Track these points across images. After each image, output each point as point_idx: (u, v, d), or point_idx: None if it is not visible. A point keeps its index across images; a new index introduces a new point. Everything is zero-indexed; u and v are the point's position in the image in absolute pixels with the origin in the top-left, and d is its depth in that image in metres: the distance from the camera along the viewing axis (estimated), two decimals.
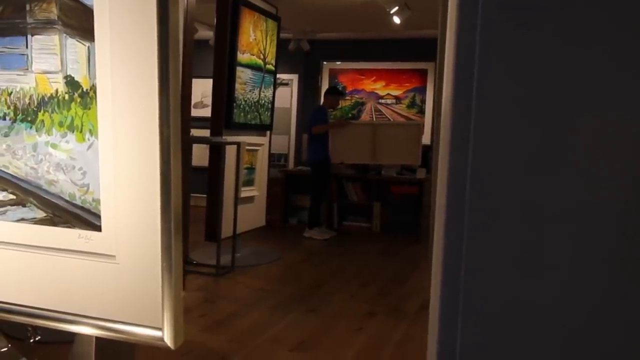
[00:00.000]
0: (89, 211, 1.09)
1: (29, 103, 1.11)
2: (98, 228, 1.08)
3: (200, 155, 5.79)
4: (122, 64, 1.03)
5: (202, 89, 7.83)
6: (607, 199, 0.68)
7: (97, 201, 1.07)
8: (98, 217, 1.08)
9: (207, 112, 5.44)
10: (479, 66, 0.66)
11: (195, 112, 7.36)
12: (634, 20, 0.66)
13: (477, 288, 0.71)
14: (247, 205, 5.40)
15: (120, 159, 1.05)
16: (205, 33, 7.32)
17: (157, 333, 1.06)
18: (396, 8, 6.08)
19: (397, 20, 6.37)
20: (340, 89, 7.86)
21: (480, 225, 0.70)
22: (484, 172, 0.69)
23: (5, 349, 1.43)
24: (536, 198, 0.70)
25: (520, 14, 0.68)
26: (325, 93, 7.26)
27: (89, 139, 1.07)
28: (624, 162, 0.68)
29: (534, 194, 0.70)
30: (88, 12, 1.04)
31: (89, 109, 1.06)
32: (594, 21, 0.67)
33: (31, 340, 1.45)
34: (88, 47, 1.05)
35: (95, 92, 1.05)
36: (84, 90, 1.06)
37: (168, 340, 1.05)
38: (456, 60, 0.65)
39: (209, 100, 5.30)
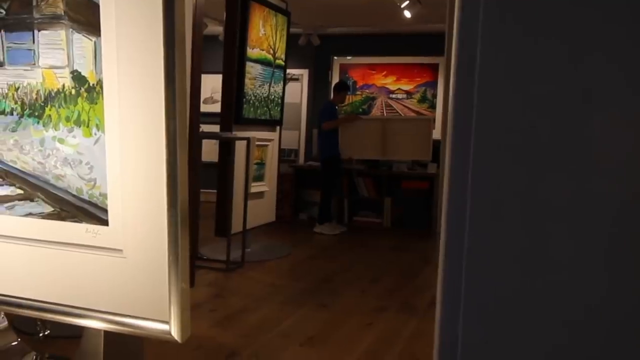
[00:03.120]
0: (96, 205, 1.09)
1: (36, 98, 1.12)
2: (105, 222, 1.08)
3: (210, 151, 5.80)
4: (128, 58, 1.03)
5: (212, 84, 7.84)
6: (611, 196, 0.67)
7: (104, 195, 1.08)
8: (105, 211, 1.08)
9: (217, 108, 5.45)
10: (480, 59, 0.65)
11: (205, 108, 7.38)
12: (634, 20, 0.66)
13: (479, 283, 0.70)
14: (257, 201, 5.40)
15: (127, 153, 1.05)
16: (215, 28, 7.33)
17: (164, 326, 1.06)
18: (407, 2, 6.05)
19: (407, 14, 6.35)
20: (347, 83, 7.82)
21: (482, 220, 0.69)
22: (485, 166, 0.69)
23: (15, 342, 1.44)
24: (538, 193, 0.69)
25: (522, 6, 0.67)
26: (334, 88, 7.24)
27: (95, 134, 1.07)
28: (631, 159, 0.67)
29: (536, 190, 0.69)
30: (94, 7, 1.04)
31: (96, 103, 1.06)
32: (595, 17, 0.67)
33: (40, 335, 1.46)
34: (94, 42, 1.05)
35: (101, 87, 1.05)
36: (91, 85, 1.06)
37: (175, 334, 1.06)
38: (458, 53, 0.65)
39: (218, 96, 5.31)
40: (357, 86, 8.34)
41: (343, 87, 7.18)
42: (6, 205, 1.17)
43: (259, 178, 5.48)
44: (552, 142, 0.68)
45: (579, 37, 0.68)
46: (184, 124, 1.02)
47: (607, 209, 0.68)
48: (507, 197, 0.70)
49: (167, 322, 1.06)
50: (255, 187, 5.30)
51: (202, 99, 7.40)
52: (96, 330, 1.20)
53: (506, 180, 0.70)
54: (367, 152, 7.35)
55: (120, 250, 1.08)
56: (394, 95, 8.24)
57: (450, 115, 0.68)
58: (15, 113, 1.14)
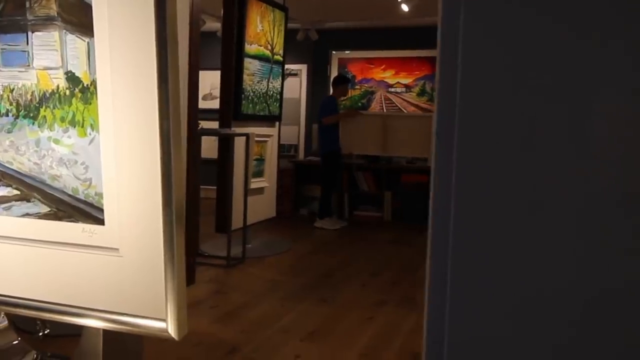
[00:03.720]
0: (92, 205, 1.10)
1: (31, 99, 1.12)
2: (101, 222, 1.09)
3: (209, 148, 5.81)
4: (121, 58, 1.03)
5: (211, 80, 7.83)
6: (598, 193, 0.68)
7: (100, 195, 1.09)
8: (101, 210, 1.09)
9: (216, 104, 5.45)
10: (462, 54, 0.66)
11: (204, 104, 7.38)
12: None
13: (464, 282, 0.71)
14: (257, 197, 5.41)
15: (122, 152, 1.05)
16: (213, 25, 7.32)
17: (161, 324, 1.07)
18: None
19: (405, 8, 6.34)
20: (347, 76, 7.79)
21: (467, 215, 0.70)
22: (469, 164, 0.69)
23: (16, 342, 1.45)
24: (523, 190, 0.69)
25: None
26: (333, 82, 7.21)
27: (90, 134, 1.08)
28: (613, 153, 0.67)
29: (521, 186, 0.70)
30: (87, 8, 1.04)
31: (90, 104, 1.07)
32: (578, 17, 0.67)
33: (40, 334, 1.47)
34: (88, 43, 1.06)
35: (95, 87, 1.06)
36: (85, 85, 1.07)
37: (172, 331, 1.06)
38: (441, 47, 0.65)
39: (218, 92, 5.31)
40: (356, 80, 8.34)
41: (342, 81, 7.15)
42: (3, 206, 1.18)
43: (259, 174, 5.49)
44: (537, 139, 0.69)
45: (567, 26, 0.68)
46: (178, 123, 1.02)
47: (593, 205, 0.68)
48: (492, 194, 0.70)
49: (164, 320, 1.07)
50: (255, 183, 5.31)
51: (201, 96, 7.41)
52: (95, 329, 1.21)
53: (491, 177, 0.70)
54: (367, 148, 7.33)
55: (117, 249, 1.08)
56: (393, 89, 8.24)
57: (435, 113, 0.69)
58: (10, 114, 1.15)
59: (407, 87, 8.17)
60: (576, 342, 0.70)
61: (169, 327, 1.06)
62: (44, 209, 1.14)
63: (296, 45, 7.86)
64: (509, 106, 0.69)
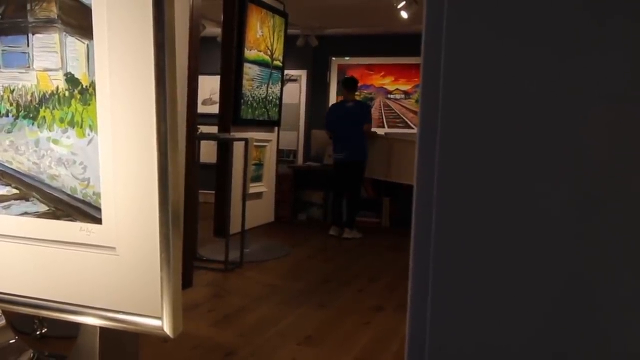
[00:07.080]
0: (89, 204, 1.11)
1: (31, 100, 1.14)
2: (99, 221, 1.11)
3: (208, 152, 5.83)
4: (119, 61, 1.05)
5: (211, 85, 7.85)
6: (577, 194, 0.69)
7: (98, 195, 1.10)
8: (99, 210, 1.10)
9: (216, 109, 5.47)
10: (445, 61, 0.67)
11: (204, 109, 7.40)
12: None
13: (445, 283, 0.72)
14: (256, 201, 5.42)
15: (120, 153, 1.07)
16: (214, 30, 7.34)
17: (157, 322, 1.09)
18: (403, 3, 6.08)
19: (404, 15, 6.37)
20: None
21: (448, 219, 0.71)
22: (451, 166, 0.71)
23: (13, 340, 1.46)
24: (502, 192, 0.71)
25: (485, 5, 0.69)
26: (348, 84, 6.85)
27: (89, 135, 1.09)
28: (597, 163, 0.68)
29: (500, 189, 0.71)
30: (86, 11, 1.06)
31: (89, 105, 1.08)
32: (557, 19, 0.69)
33: (37, 333, 1.48)
34: (87, 45, 1.08)
35: (94, 89, 1.07)
36: (84, 87, 1.09)
37: (167, 329, 1.08)
38: (425, 54, 0.67)
39: (217, 97, 5.33)
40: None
41: (355, 84, 6.92)
42: (2, 204, 1.19)
43: (258, 179, 5.51)
44: (518, 146, 0.70)
45: (551, 42, 0.70)
46: (175, 125, 1.04)
47: (577, 209, 0.69)
48: (474, 199, 0.71)
49: (159, 318, 1.08)
50: (253, 188, 5.32)
51: (201, 101, 7.43)
52: (92, 328, 1.22)
53: (472, 182, 0.71)
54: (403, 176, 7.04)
55: (114, 248, 1.10)
56: (392, 96, 8.26)
57: (419, 119, 0.70)
58: (10, 115, 1.16)
59: (406, 94, 8.20)
60: (562, 346, 0.71)
61: (165, 325, 1.08)
62: (43, 207, 1.16)
63: (296, 51, 7.88)
64: (491, 113, 0.70)
